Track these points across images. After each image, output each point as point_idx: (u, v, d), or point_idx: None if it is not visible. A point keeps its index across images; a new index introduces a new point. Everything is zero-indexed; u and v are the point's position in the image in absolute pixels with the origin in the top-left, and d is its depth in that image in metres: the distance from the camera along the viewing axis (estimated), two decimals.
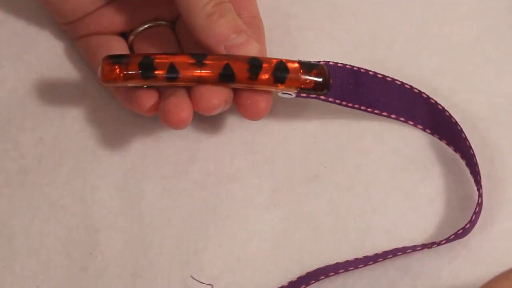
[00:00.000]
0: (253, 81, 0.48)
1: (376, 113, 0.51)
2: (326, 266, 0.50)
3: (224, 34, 0.48)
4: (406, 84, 0.51)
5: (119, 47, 0.52)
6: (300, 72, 0.49)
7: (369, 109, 0.51)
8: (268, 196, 0.52)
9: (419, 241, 0.50)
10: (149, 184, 0.52)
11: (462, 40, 0.55)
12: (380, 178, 0.52)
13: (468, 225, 0.49)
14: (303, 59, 0.49)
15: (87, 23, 0.52)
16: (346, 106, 0.51)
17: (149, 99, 0.49)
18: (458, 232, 0.49)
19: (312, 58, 0.50)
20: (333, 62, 0.50)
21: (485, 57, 0.55)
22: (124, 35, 0.53)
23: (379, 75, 0.51)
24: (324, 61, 0.50)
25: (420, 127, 0.52)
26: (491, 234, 0.51)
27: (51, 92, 0.54)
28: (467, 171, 0.51)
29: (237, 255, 0.51)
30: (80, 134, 0.53)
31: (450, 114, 0.51)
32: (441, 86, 0.53)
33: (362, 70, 0.51)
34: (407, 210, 0.51)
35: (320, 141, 0.53)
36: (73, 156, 0.53)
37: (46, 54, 0.55)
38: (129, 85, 0.49)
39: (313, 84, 0.49)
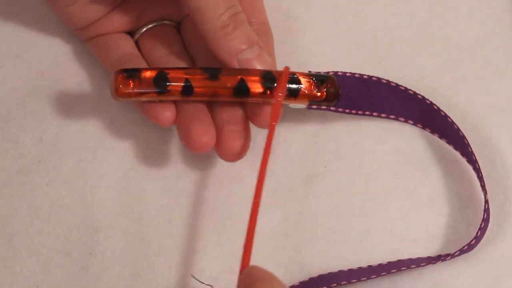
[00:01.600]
0: (267, 95, 0.48)
1: (382, 117, 0.52)
2: (334, 273, 0.50)
3: (238, 48, 0.48)
4: (410, 90, 0.52)
5: (130, 47, 0.52)
6: (312, 86, 0.49)
7: (374, 114, 0.52)
8: (268, 196, 0.52)
9: (419, 241, 0.50)
10: (149, 184, 0.52)
11: (462, 40, 0.55)
12: (380, 178, 0.52)
13: (473, 241, 0.49)
14: (303, 58, 0.50)
15: (97, 26, 0.52)
16: (355, 114, 0.52)
17: (165, 111, 0.49)
18: (464, 248, 0.49)
19: (314, 58, 0.50)
20: (341, 72, 0.51)
21: (485, 58, 0.55)
22: (130, 33, 0.54)
23: (383, 80, 0.51)
24: (333, 71, 0.51)
25: (420, 125, 0.52)
26: (492, 235, 0.51)
27: (51, 92, 0.54)
28: (467, 171, 0.51)
29: (237, 255, 0.50)
30: (80, 134, 0.53)
31: (452, 121, 0.51)
32: (441, 86, 0.53)
33: (373, 78, 0.51)
34: (407, 210, 0.51)
35: (320, 141, 0.53)
36: (73, 156, 0.53)
37: (46, 54, 0.55)
38: (143, 100, 0.48)
39: (324, 97, 0.49)
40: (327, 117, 0.54)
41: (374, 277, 0.49)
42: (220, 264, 0.50)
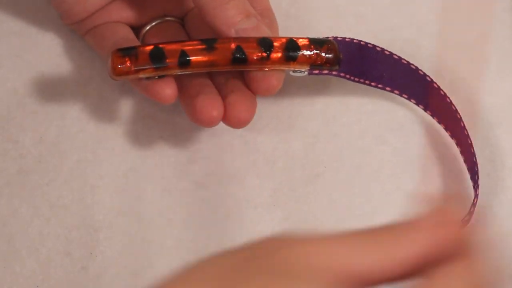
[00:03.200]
0: (265, 61, 0.48)
1: (379, 88, 0.52)
2: None
3: (234, 17, 0.48)
4: (412, 64, 0.52)
5: (127, 32, 0.52)
6: (311, 49, 0.49)
7: (373, 83, 0.52)
8: (268, 196, 0.52)
9: None
10: (149, 184, 0.52)
11: (462, 40, 0.55)
12: (380, 178, 0.52)
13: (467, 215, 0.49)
14: None
15: (95, 18, 0.52)
16: (353, 80, 0.51)
17: (166, 88, 0.48)
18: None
19: None
20: (340, 37, 0.51)
21: (485, 58, 0.55)
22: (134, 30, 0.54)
23: (386, 51, 0.51)
24: (332, 36, 0.50)
25: (421, 106, 0.52)
26: (491, 234, 0.51)
27: (51, 92, 0.54)
28: (467, 170, 0.51)
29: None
30: (80, 134, 0.53)
31: (451, 101, 0.51)
32: (441, 87, 0.53)
33: (369, 45, 0.51)
34: (407, 210, 0.51)
35: (320, 141, 0.53)
36: (73, 156, 0.53)
37: (46, 54, 0.55)
38: (141, 76, 0.48)
39: (324, 60, 0.49)
40: (327, 117, 0.54)
41: None
42: None
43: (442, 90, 0.51)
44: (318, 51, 0.49)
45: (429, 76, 0.52)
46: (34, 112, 0.54)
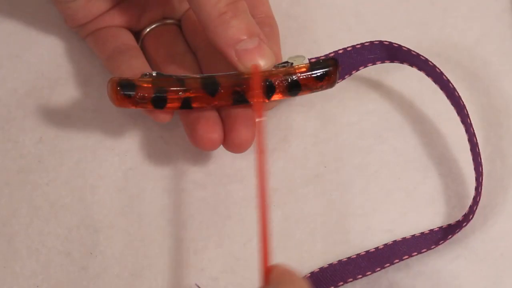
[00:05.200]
0: (268, 102, 0.49)
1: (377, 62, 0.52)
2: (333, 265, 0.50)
3: (236, 37, 0.47)
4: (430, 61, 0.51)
5: (128, 37, 0.52)
6: (312, 82, 0.49)
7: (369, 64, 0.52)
8: (268, 196, 0.52)
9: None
10: (149, 184, 0.52)
11: (462, 40, 0.55)
12: (380, 178, 0.52)
13: (462, 218, 0.49)
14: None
15: (97, 22, 0.53)
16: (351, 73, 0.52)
17: (167, 115, 0.49)
18: (458, 222, 0.50)
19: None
20: (333, 52, 0.50)
21: (485, 58, 0.55)
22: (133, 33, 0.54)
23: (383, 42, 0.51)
24: (334, 52, 0.50)
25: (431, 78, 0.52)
26: (492, 234, 0.51)
27: (51, 92, 0.54)
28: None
29: (237, 255, 0.50)
30: (80, 134, 0.53)
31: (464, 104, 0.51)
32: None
33: (357, 46, 0.51)
34: (407, 210, 0.51)
35: (320, 141, 0.53)
36: (73, 156, 0.53)
37: (46, 54, 0.55)
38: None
39: (325, 87, 0.50)
40: (327, 117, 0.54)
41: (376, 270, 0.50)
42: (220, 264, 0.50)
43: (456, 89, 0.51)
44: (318, 83, 0.49)
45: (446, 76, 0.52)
46: (34, 112, 0.54)
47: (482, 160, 0.50)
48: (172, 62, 0.51)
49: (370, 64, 0.51)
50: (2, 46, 0.55)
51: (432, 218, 0.51)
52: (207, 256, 0.51)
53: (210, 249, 0.51)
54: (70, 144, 0.53)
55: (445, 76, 0.50)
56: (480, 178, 0.50)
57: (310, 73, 0.49)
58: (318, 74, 0.49)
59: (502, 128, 0.53)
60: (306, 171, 0.52)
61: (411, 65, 0.51)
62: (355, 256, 0.50)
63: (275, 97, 0.49)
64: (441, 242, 0.50)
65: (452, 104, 0.50)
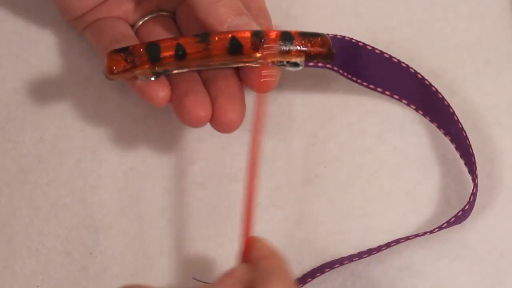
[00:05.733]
0: (261, 50, 0.48)
1: (371, 88, 0.52)
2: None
3: (226, 14, 0.48)
4: (403, 62, 0.52)
5: (125, 27, 0.53)
6: (305, 40, 0.49)
7: (364, 83, 0.52)
8: (268, 196, 0.52)
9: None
10: (149, 184, 0.52)
11: (462, 40, 0.55)
12: (380, 178, 0.52)
13: (467, 207, 0.49)
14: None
15: (94, 13, 0.53)
16: (347, 77, 0.51)
17: (160, 91, 0.49)
18: (458, 215, 0.49)
19: None
20: (331, 34, 0.51)
21: (485, 58, 0.55)
22: None
23: (376, 50, 0.51)
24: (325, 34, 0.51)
25: (413, 107, 0.52)
26: (492, 234, 0.51)
27: (51, 92, 0.54)
28: (467, 170, 0.51)
29: (237, 255, 0.50)
30: (80, 134, 0.53)
31: (443, 96, 0.51)
32: (441, 87, 0.53)
33: (360, 43, 0.51)
34: (407, 210, 0.51)
35: (320, 141, 0.53)
36: (73, 156, 0.53)
37: (46, 54, 0.55)
38: (137, 73, 0.48)
39: (318, 51, 0.49)
40: (327, 117, 0.54)
41: (375, 253, 0.50)
42: (220, 264, 0.50)
43: (434, 86, 0.51)
44: (311, 43, 0.49)
45: (420, 74, 0.52)
46: (34, 112, 0.54)
47: (482, 160, 0.51)
48: None
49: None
50: (2, 46, 0.55)
51: (432, 218, 0.51)
52: (207, 256, 0.51)
53: (210, 249, 0.51)
54: (70, 144, 0.53)
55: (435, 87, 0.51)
56: (474, 176, 0.50)
57: (301, 31, 0.49)
58: (309, 33, 0.49)
59: (503, 128, 0.53)
60: (306, 171, 0.52)
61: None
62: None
63: (268, 45, 0.48)
64: (435, 230, 0.50)
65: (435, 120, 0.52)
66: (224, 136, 0.53)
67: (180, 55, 0.48)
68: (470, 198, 0.49)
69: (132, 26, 0.53)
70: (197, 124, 0.49)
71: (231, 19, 0.48)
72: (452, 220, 0.49)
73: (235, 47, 0.48)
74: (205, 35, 0.48)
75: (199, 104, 0.48)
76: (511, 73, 0.55)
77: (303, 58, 0.49)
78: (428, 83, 0.51)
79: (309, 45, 0.49)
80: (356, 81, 0.51)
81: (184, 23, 0.53)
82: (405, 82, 0.52)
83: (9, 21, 0.56)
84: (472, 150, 0.51)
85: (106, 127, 0.53)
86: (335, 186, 0.52)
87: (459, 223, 0.50)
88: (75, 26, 0.54)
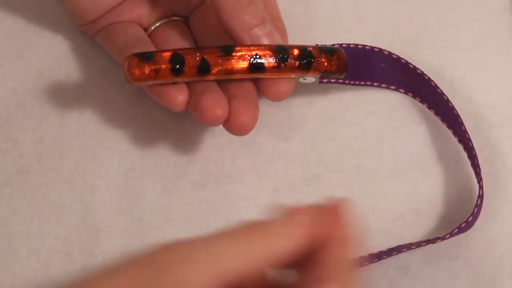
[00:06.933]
0: (282, 70, 0.48)
1: (375, 86, 0.52)
2: None
3: (251, 22, 0.48)
4: (410, 63, 0.52)
5: (138, 31, 0.52)
6: (323, 57, 0.49)
7: (375, 84, 0.52)
8: (268, 196, 0.52)
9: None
10: (149, 184, 0.52)
11: (462, 40, 0.55)
12: (380, 178, 0.52)
13: (470, 218, 0.49)
14: None
15: (107, 18, 0.52)
16: (359, 85, 0.52)
17: (178, 95, 0.48)
18: (462, 226, 0.49)
19: None
20: (345, 44, 0.51)
21: (485, 58, 0.55)
22: None
23: (385, 52, 0.52)
24: (338, 44, 0.51)
25: (418, 99, 0.53)
26: (491, 235, 0.51)
27: (51, 92, 0.54)
28: (468, 171, 0.51)
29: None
30: (80, 134, 0.53)
31: (448, 98, 0.52)
32: (441, 86, 0.53)
33: (367, 47, 0.52)
34: (407, 210, 0.51)
35: (320, 141, 0.53)
36: (73, 156, 0.53)
37: (46, 54, 0.55)
38: (158, 82, 0.48)
39: (335, 68, 0.50)
40: (327, 117, 0.54)
41: (376, 261, 0.49)
42: None
43: (442, 91, 0.52)
44: (329, 61, 0.49)
45: (427, 75, 0.52)
46: (34, 112, 0.54)
47: (482, 160, 0.51)
48: None
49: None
50: (2, 46, 0.55)
51: (432, 219, 0.51)
52: None
53: None
54: (70, 144, 0.53)
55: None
56: (479, 178, 0.50)
57: (320, 47, 0.50)
58: (328, 49, 0.50)
59: (503, 128, 0.53)
60: (306, 171, 0.52)
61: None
62: None
63: (290, 65, 0.48)
64: (447, 236, 0.50)
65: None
66: (224, 136, 0.53)
67: (203, 70, 0.48)
68: (474, 210, 0.49)
69: (145, 30, 0.53)
70: (213, 122, 0.48)
71: (255, 28, 0.48)
72: (455, 231, 0.49)
73: (257, 67, 0.48)
74: (229, 49, 0.48)
75: (216, 103, 0.48)
76: (511, 73, 0.55)
77: (319, 75, 0.50)
78: (434, 84, 0.52)
79: (326, 63, 0.49)
80: (365, 84, 0.52)
81: (197, 29, 0.53)
82: (414, 80, 0.52)
83: (9, 21, 0.56)
84: (475, 152, 0.51)
85: (106, 127, 0.53)
86: (335, 186, 0.52)
87: (462, 233, 0.50)
88: (87, 31, 0.54)
